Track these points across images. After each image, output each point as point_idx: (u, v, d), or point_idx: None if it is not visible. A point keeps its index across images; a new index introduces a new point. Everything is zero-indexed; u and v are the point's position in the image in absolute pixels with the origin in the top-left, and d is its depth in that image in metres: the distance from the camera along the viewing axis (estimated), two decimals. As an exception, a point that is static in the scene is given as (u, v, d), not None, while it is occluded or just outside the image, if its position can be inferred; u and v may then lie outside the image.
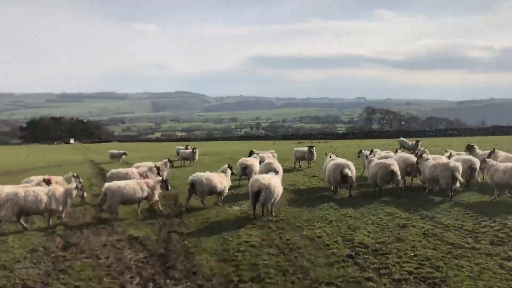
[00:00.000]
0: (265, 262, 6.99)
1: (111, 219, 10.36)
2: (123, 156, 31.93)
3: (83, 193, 11.25)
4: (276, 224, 9.50)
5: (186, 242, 8.19)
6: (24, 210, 9.59)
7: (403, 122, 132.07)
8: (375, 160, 13.65)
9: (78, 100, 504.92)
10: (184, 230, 9.14)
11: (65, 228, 9.63)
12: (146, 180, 11.79)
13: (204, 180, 11.52)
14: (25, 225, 9.70)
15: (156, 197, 11.34)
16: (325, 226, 9.14)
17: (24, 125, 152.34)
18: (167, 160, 16.94)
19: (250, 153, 21.29)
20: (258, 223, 9.57)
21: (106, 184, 10.91)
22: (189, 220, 10.20)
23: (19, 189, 9.80)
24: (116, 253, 7.62)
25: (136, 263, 7.14)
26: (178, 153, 30.07)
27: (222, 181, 12.12)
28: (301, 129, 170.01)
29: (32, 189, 10.05)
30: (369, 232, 8.50)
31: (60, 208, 10.23)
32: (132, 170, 14.62)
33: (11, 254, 7.64)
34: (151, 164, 16.19)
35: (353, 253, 7.21)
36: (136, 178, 13.29)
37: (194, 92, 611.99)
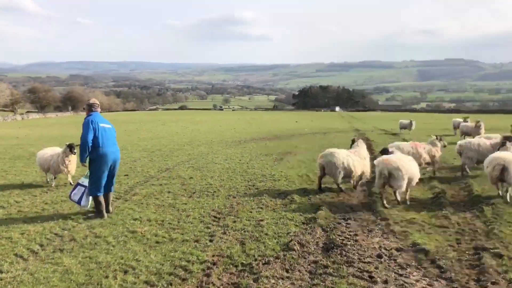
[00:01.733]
0: None
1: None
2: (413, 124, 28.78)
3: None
4: None
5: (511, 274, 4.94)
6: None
7: None
8: None
9: (344, 69, 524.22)
10: (499, 248, 5.79)
11: (327, 215, 7.61)
12: None
13: None
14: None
15: None
16: None
17: (296, 93, 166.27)
18: None
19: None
20: None
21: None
22: (502, 229, 6.74)
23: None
24: (397, 275, 5.01)
25: (433, 304, 4.39)
26: (455, 127, 25.51)
27: None
28: None
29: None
30: None
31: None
32: (484, 141, 11.84)
33: (262, 246, 5.95)
34: (498, 135, 13.21)
35: None
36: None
37: (467, 59, 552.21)
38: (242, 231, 6.63)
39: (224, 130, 34.53)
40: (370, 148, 19.53)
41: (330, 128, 36.01)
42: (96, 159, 7.51)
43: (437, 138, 11.80)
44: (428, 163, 11.46)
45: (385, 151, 10.78)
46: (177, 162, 15.20)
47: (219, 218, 7.46)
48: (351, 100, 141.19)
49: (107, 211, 7.85)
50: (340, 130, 32.63)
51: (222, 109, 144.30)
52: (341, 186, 9.93)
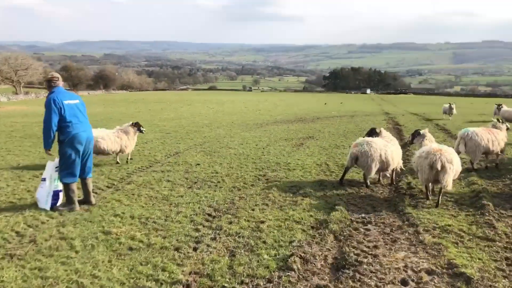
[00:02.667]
0: None
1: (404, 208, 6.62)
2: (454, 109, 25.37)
3: None
4: None
5: None
6: None
7: None
8: None
9: (377, 51, 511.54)
10: None
11: (342, 217, 6.35)
12: None
13: None
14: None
15: None
16: None
17: (327, 74, 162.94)
18: None
19: None
20: None
21: None
22: None
23: None
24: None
25: None
26: (496, 113, 23.42)
27: None
28: None
29: None
30: None
31: None
32: None
33: (255, 261, 4.74)
34: None
35: None
36: None
37: (507, 41, 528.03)
38: (236, 237, 5.46)
39: (249, 111, 33.38)
40: (400, 134, 18.01)
41: (359, 111, 34.30)
42: (66, 140, 6.51)
43: (500, 122, 10.41)
44: (502, 151, 10.10)
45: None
46: (190, 146, 14.17)
47: (214, 217, 6.32)
48: (382, 82, 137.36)
49: (89, 202, 6.88)
50: (369, 113, 30.93)
51: (251, 90, 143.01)
52: (368, 181, 8.61)
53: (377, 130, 9.62)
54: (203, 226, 5.88)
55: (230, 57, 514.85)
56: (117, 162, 10.98)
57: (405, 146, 13.20)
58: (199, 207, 6.81)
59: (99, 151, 10.21)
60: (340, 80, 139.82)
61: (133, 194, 7.65)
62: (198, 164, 10.72)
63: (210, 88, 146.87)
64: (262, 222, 6.06)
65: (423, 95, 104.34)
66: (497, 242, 5.37)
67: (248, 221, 6.13)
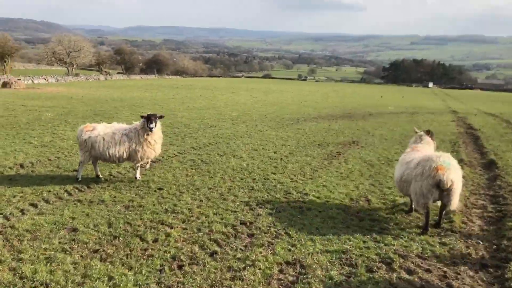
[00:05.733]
0: None
1: None
2: None
3: None
4: None
5: None
6: None
7: None
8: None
9: (442, 43, 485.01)
10: None
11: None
12: None
13: None
14: None
15: None
16: None
17: (387, 65, 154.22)
18: None
19: None
20: None
21: None
22: None
23: None
24: None
25: None
26: None
27: None
28: None
29: None
30: None
31: None
32: None
33: None
34: None
35: None
36: None
37: None
38: None
39: (292, 103, 29.18)
40: (477, 144, 13.31)
41: (420, 107, 29.12)
42: None
43: None
44: None
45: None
46: (182, 150, 10.40)
47: None
48: (446, 76, 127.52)
49: None
50: (433, 111, 25.76)
51: (305, 80, 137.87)
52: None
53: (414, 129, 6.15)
54: None
55: (287, 45, 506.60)
56: (136, 178, 7.59)
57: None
58: None
59: (97, 155, 7.20)
60: (401, 72, 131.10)
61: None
62: (160, 189, 6.83)
63: (264, 77, 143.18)
64: None
65: (491, 91, 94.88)
66: None
67: None
